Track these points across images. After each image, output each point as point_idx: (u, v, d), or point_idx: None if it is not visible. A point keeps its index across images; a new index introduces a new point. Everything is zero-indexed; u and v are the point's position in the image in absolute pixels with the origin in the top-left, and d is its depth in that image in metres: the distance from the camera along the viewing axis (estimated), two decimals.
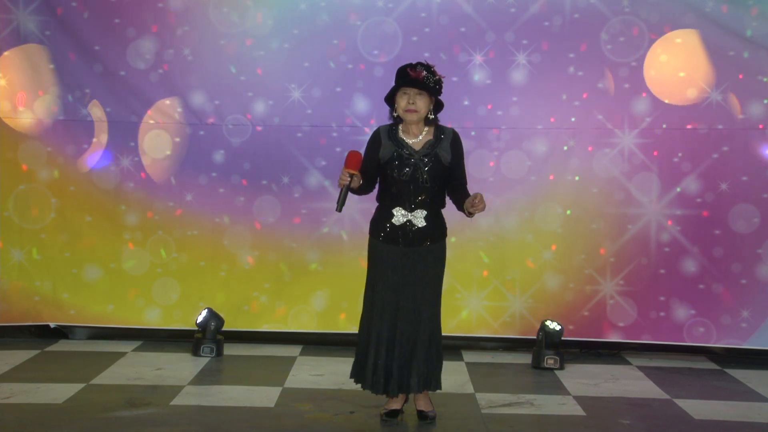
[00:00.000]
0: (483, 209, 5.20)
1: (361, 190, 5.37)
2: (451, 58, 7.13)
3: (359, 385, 5.42)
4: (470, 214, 5.27)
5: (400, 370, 5.29)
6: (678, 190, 7.13)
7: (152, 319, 7.36)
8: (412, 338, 5.29)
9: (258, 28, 7.23)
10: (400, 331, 5.28)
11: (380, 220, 5.37)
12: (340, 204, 5.24)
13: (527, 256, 7.26)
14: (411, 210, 5.29)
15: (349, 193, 5.27)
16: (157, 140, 7.29)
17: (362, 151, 5.34)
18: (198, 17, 7.23)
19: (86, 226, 7.32)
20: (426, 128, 5.33)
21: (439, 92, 5.28)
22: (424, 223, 5.29)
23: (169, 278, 7.34)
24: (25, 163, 7.29)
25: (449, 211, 5.43)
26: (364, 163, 5.32)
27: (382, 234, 5.34)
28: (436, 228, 5.34)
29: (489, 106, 7.22)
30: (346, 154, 5.28)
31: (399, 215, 5.30)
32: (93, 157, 7.24)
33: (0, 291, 7.30)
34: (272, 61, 7.25)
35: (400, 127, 5.35)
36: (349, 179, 5.19)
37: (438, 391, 5.48)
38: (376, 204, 5.43)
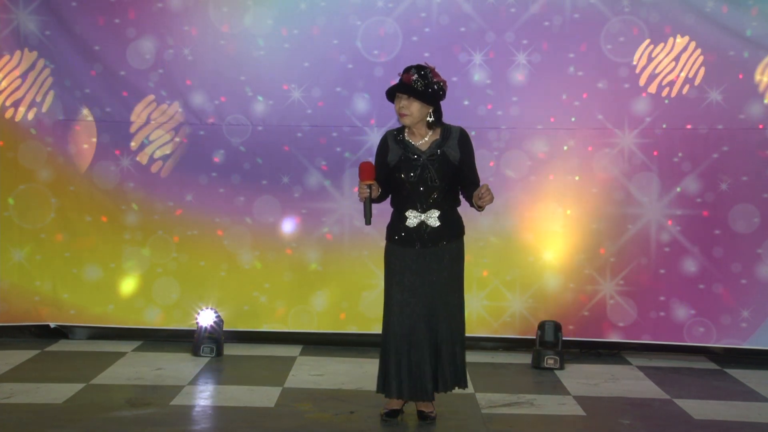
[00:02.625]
0: (491, 200, 5.19)
1: (380, 198, 5.37)
2: (451, 58, 7.13)
3: (384, 396, 5.38)
4: (480, 208, 5.27)
5: (422, 374, 5.25)
6: (678, 190, 7.13)
7: (152, 319, 7.36)
8: (434, 340, 5.27)
9: (258, 28, 7.23)
10: (421, 334, 5.25)
11: (395, 223, 5.36)
12: (368, 217, 5.22)
13: (527, 256, 7.26)
14: (424, 211, 5.28)
15: (374, 201, 5.28)
16: (157, 140, 7.29)
17: (372, 159, 5.37)
18: (198, 17, 7.23)
19: (86, 226, 7.32)
20: (431, 130, 5.33)
21: (434, 96, 5.23)
22: (438, 223, 5.28)
23: (169, 278, 7.34)
24: (25, 163, 7.29)
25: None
26: (376, 171, 5.33)
27: (396, 237, 5.34)
28: (452, 227, 5.32)
29: (489, 106, 7.22)
30: (358, 166, 5.27)
31: (412, 217, 5.29)
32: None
33: (0, 291, 7.30)
34: (272, 61, 7.25)
35: (406, 129, 5.36)
36: (368, 191, 5.18)
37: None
38: (385, 207, 5.44)
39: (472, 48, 7.19)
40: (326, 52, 7.22)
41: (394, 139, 5.36)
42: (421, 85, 5.19)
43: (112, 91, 7.26)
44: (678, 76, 7.06)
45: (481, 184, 5.32)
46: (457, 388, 5.37)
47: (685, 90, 7.07)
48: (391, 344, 5.29)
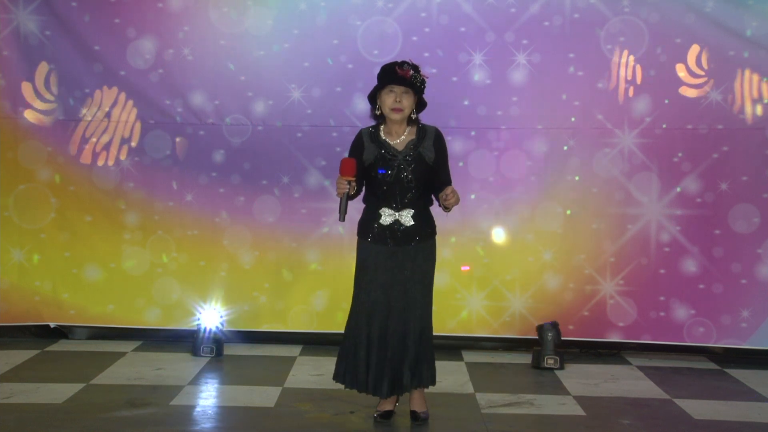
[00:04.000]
0: (456, 202, 5.19)
1: (354, 195, 5.36)
2: (451, 58, 7.13)
3: (343, 386, 5.40)
4: (446, 209, 5.27)
5: (393, 370, 5.27)
6: (678, 190, 7.13)
7: (152, 319, 7.36)
8: (403, 337, 5.28)
9: (258, 28, 7.23)
10: (391, 331, 5.27)
11: (368, 220, 5.36)
12: (343, 213, 5.24)
13: (527, 256, 7.26)
14: (398, 210, 5.28)
15: (350, 198, 5.28)
16: (157, 140, 7.29)
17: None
18: (198, 17, 7.23)
19: (86, 226, 7.32)
20: (408, 128, 5.34)
21: (423, 92, 5.29)
22: (412, 222, 5.28)
23: (169, 278, 7.34)
24: (25, 163, 7.29)
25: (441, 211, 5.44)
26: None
27: (370, 235, 5.33)
28: (425, 226, 5.33)
29: (489, 106, 7.21)
30: (339, 161, 5.28)
31: (386, 215, 5.29)
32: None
33: (0, 291, 7.30)
34: (272, 61, 7.25)
35: (382, 128, 5.36)
36: (347, 187, 5.19)
37: (432, 389, 5.47)
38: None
39: (472, 48, 7.19)
40: (326, 52, 7.22)
41: (369, 137, 5.36)
42: (418, 80, 5.23)
43: (111, 90, 7.25)
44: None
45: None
46: (420, 387, 5.35)
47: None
48: (357, 338, 5.29)
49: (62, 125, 7.28)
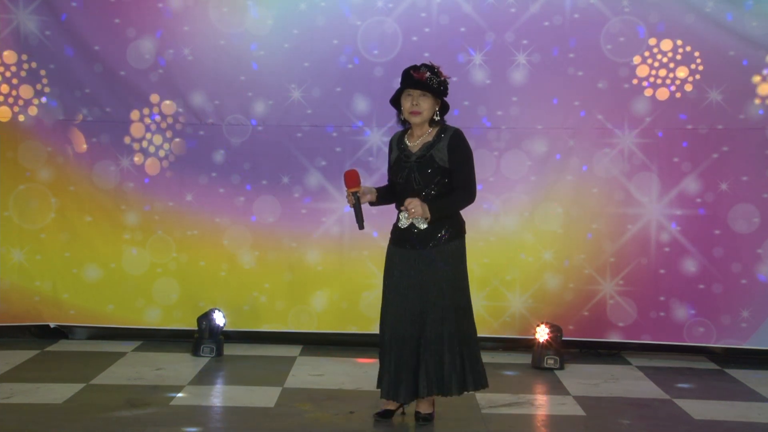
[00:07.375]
0: (417, 214, 5.16)
1: (384, 201, 5.43)
2: (451, 58, 7.13)
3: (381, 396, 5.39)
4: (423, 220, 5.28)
5: (410, 375, 5.25)
6: (678, 190, 7.13)
7: (152, 319, 7.36)
8: (420, 341, 5.25)
9: (258, 28, 7.23)
10: (403, 336, 5.25)
11: (394, 224, 5.37)
12: (360, 222, 5.26)
13: (527, 256, 7.26)
14: None
15: (374, 204, 5.39)
16: (157, 140, 7.29)
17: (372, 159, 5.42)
18: (198, 17, 7.23)
19: (86, 226, 7.32)
20: (430, 130, 5.33)
21: (445, 93, 5.29)
22: (425, 225, 5.27)
23: (169, 278, 7.34)
24: (25, 163, 7.29)
25: None
26: (388, 172, 5.42)
27: (392, 238, 5.37)
28: (442, 229, 5.28)
29: (489, 106, 7.21)
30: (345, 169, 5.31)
31: (403, 218, 5.30)
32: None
33: (0, 291, 7.30)
34: (272, 61, 7.25)
35: (408, 131, 5.37)
36: (354, 199, 5.21)
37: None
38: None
39: (472, 48, 7.19)
40: (326, 52, 7.23)
41: (397, 140, 5.40)
42: (435, 82, 5.22)
43: (112, 91, 7.26)
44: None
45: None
46: (441, 395, 5.30)
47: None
48: (385, 344, 5.31)
49: (62, 125, 7.28)
